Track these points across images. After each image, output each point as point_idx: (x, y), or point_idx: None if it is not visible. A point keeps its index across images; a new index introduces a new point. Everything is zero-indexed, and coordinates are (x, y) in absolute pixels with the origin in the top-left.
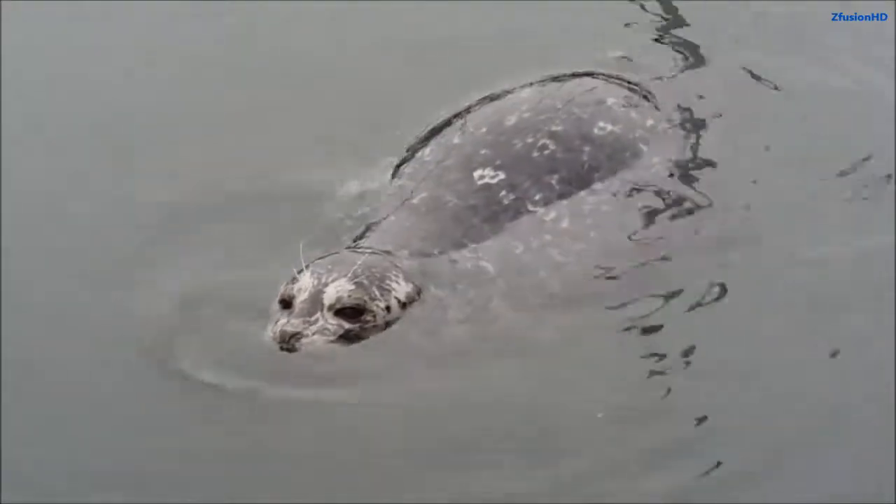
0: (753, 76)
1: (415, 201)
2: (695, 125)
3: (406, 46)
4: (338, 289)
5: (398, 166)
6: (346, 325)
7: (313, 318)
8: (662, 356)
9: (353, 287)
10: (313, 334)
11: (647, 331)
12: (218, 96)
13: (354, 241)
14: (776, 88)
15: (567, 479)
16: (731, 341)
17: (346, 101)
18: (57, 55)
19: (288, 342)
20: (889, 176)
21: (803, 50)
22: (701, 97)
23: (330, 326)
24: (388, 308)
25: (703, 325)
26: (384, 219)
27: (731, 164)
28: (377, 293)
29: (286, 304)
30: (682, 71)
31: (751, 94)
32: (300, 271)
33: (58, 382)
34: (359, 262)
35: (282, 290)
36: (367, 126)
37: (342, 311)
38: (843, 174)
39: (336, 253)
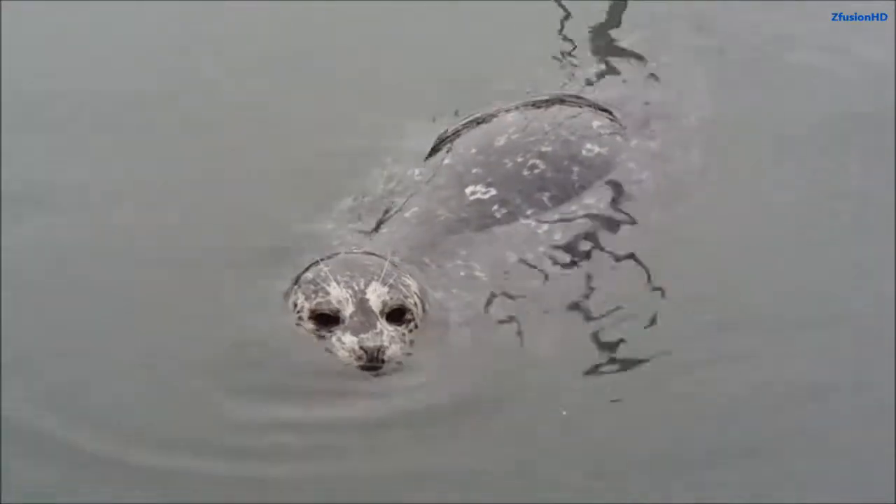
0: (739, 84)
1: (406, 215)
2: (680, 142)
3: (391, 60)
4: (378, 294)
5: (388, 182)
6: (401, 329)
7: (378, 329)
8: (655, 365)
9: (387, 289)
10: (390, 345)
11: (640, 342)
12: (206, 119)
13: (344, 251)
14: (760, 96)
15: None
16: (727, 349)
17: (339, 114)
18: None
19: (376, 358)
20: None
21: (791, 58)
22: (686, 112)
23: (394, 334)
24: (416, 304)
25: (698, 334)
26: (375, 231)
27: (719, 180)
28: (405, 290)
29: (325, 318)
30: (668, 83)
31: (736, 103)
32: (297, 283)
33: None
34: (370, 263)
35: (304, 304)
36: (358, 140)
37: (389, 316)
38: (830, 186)
39: (336, 255)
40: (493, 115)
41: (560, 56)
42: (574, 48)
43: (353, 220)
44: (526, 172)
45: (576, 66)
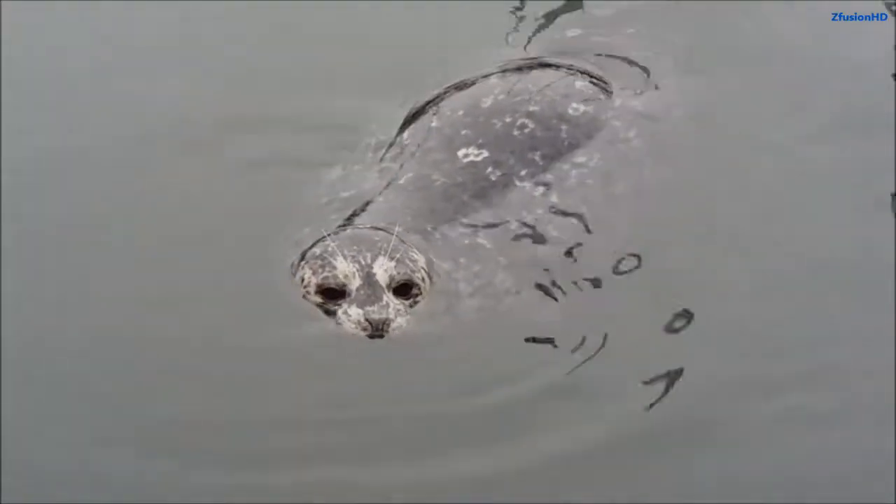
0: (714, 47)
1: (401, 181)
2: (663, 101)
3: (374, 30)
4: (385, 268)
5: (377, 150)
6: (408, 303)
7: (385, 302)
8: (656, 329)
9: (395, 263)
10: (397, 318)
11: (642, 301)
12: (200, 87)
13: (344, 222)
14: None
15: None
16: (726, 311)
17: (323, 83)
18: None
19: (381, 329)
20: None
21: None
22: (663, 71)
23: (401, 307)
24: (423, 279)
25: (694, 293)
26: (371, 200)
27: (702, 138)
28: (412, 265)
29: (332, 292)
30: (644, 47)
31: (713, 64)
32: (303, 258)
33: None
34: (378, 238)
35: (311, 279)
36: (346, 109)
37: (396, 290)
38: (810, 141)
39: (343, 229)
40: (473, 80)
41: (539, 22)
42: (548, 20)
43: (344, 190)
44: (516, 132)
45: (555, 32)
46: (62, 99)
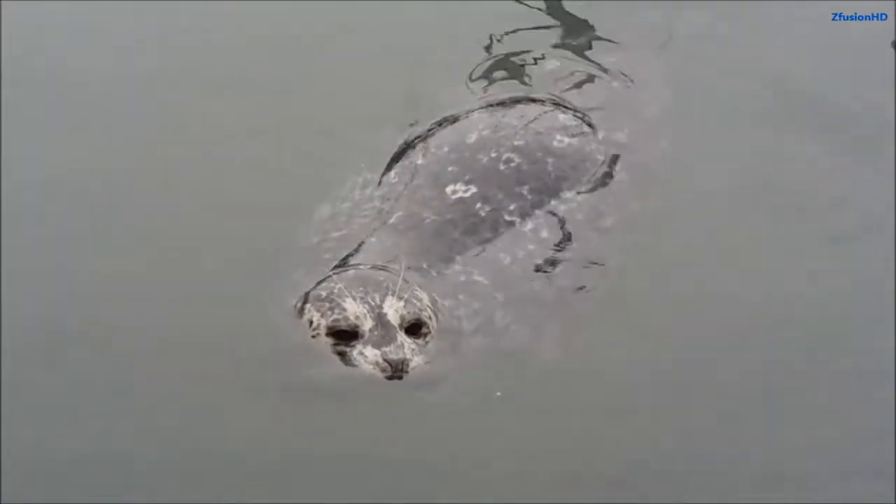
0: (697, 71)
1: (392, 221)
2: (646, 132)
3: (354, 62)
4: (395, 308)
5: (365, 188)
6: (420, 342)
7: (400, 342)
8: (652, 361)
9: (403, 303)
10: (412, 357)
11: (637, 336)
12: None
13: (338, 263)
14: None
15: None
16: (720, 342)
17: (310, 121)
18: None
19: (401, 369)
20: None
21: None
22: (646, 103)
23: (416, 347)
24: (430, 318)
25: (683, 323)
26: (364, 240)
27: (689, 167)
28: (419, 304)
29: (343, 334)
30: (625, 76)
31: (697, 91)
32: (307, 300)
33: None
34: (383, 278)
35: (321, 321)
36: (332, 145)
37: (406, 330)
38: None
39: (344, 270)
40: (457, 117)
41: (519, 55)
42: (532, 48)
43: (335, 230)
44: (502, 167)
45: (535, 65)
46: (58, 108)
